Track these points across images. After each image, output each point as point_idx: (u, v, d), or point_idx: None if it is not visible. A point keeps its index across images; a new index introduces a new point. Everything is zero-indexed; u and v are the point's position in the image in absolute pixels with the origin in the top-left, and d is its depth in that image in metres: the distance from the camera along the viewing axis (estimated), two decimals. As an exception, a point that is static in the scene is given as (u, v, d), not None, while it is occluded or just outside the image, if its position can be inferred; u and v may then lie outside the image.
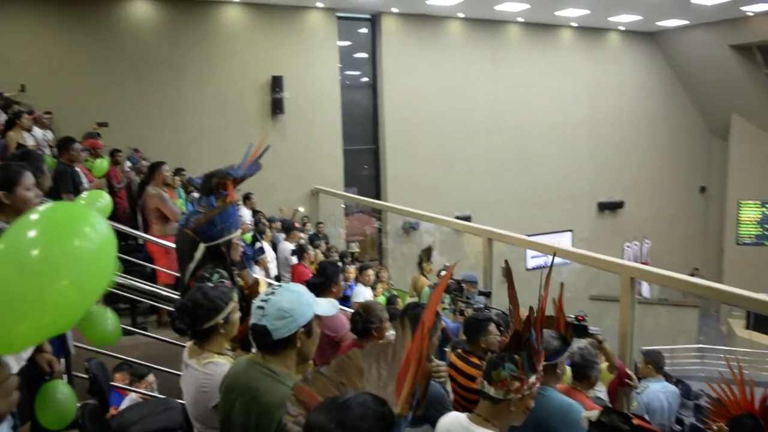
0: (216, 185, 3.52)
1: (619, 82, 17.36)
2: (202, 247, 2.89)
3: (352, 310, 5.51)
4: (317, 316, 1.90)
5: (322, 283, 3.64)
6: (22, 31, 10.82)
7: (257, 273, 6.54)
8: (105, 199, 3.12)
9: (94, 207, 3.06)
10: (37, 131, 8.04)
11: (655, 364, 5.05)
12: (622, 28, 16.79)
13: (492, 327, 3.30)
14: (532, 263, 14.51)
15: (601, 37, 16.88)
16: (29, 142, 7.01)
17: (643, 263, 14.42)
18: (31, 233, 0.89)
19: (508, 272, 2.80)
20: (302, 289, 1.89)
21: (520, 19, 15.21)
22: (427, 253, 8.13)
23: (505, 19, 14.99)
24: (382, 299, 7.12)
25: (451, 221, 8.64)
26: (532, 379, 1.88)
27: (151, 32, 11.72)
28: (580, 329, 3.78)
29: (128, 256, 6.20)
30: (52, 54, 10.99)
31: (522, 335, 1.88)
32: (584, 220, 17.10)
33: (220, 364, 2.18)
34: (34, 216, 0.91)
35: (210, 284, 2.41)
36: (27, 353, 2.20)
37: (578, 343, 3.62)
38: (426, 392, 1.10)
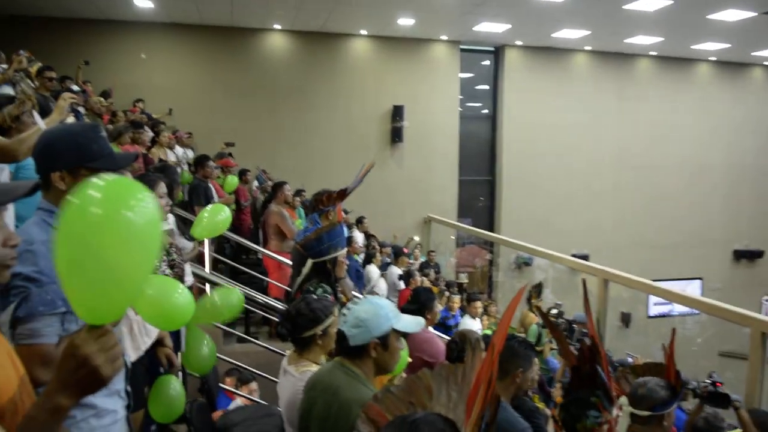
0: (318, 201, 3.71)
1: (762, 121, 15.91)
2: (309, 262, 3.04)
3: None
4: (409, 338, 1.95)
5: (416, 309, 3.66)
6: (171, 59, 12.07)
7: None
8: (225, 213, 3.39)
9: (214, 219, 3.31)
10: (179, 149, 8.84)
11: (762, 426, 4.50)
12: (767, 63, 15.48)
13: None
14: (654, 310, 13.56)
15: (742, 72, 15.64)
16: (171, 158, 7.72)
17: (785, 321, 12.95)
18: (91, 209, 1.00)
19: (585, 295, 2.64)
20: (385, 303, 1.96)
21: (652, 53, 14.52)
22: (537, 290, 7.89)
23: (636, 52, 14.37)
24: (488, 333, 6.97)
25: (564, 258, 8.31)
26: (615, 411, 1.79)
27: (285, 62, 12.55)
28: (719, 398, 3.40)
29: (248, 269, 6.62)
30: (196, 80, 12.12)
31: (582, 370, 1.78)
32: (717, 268, 15.69)
33: (315, 373, 2.27)
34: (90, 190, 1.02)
35: (314, 296, 2.52)
36: (146, 344, 2.42)
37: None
38: (495, 416, 1.09)
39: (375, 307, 1.93)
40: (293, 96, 12.51)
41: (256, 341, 5.20)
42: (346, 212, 9.69)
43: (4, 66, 6.38)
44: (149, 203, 1.02)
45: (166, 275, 2.58)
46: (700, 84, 15.36)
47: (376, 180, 12.39)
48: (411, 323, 2.02)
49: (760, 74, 15.83)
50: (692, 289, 14.87)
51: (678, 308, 12.05)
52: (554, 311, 7.04)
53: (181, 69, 12.12)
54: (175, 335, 2.86)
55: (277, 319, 5.92)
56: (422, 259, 10.96)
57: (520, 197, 13.92)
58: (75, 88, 7.14)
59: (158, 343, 2.61)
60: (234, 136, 11.06)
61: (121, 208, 0.98)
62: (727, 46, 13.35)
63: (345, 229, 3.88)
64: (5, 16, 10.66)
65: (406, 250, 8.53)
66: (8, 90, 5.57)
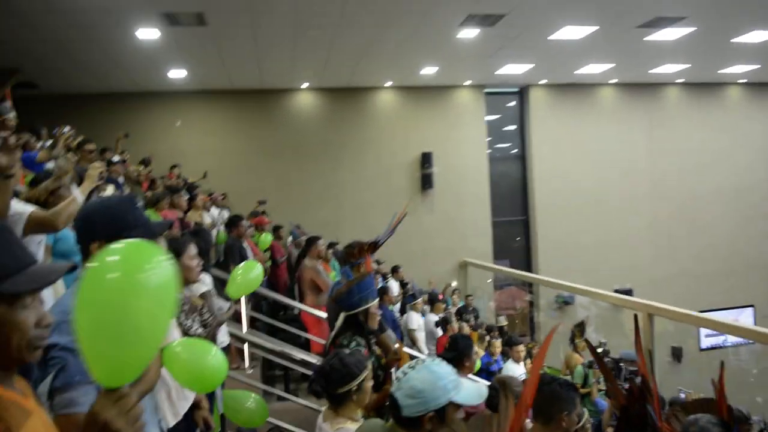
0: (349, 254, 3.74)
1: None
2: (342, 315, 3.05)
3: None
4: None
5: (454, 357, 3.59)
6: (205, 124, 12.56)
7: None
8: (257, 270, 3.44)
9: (248, 276, 3.37)
10: (214, 210, 9.06)
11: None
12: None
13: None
14: (706, 342, 13.01)
15: (777, 91, 15.34)
16: (207, 220, 7.89)
17: None
18: (113, 259, 1.05)
19: (636, 330, 2.55)
20: (444, 371, 1.83)
21: (679, 80, 14.41)
22: (580, 329, 7.69)
23: (663, 81, 14.28)
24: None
25: (605, 294, 8.12)
26: None
27: (313, 119, 12.89)
28: None
29: (285, 325, 6.65)
30: (229, 142, 12.55)
31: (631, 410, 1.70)
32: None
33: (351, 430, 2.25)
34: (115, 247, 1.07)
35: (347, 351, 2.51)
36: (184, 409, 2.44)
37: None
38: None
39: (433, 377, 1.79)
40: (323, 151, 12.79)
41: (295, 398, 5.17)
42: (378, 263, 9.72)
43: (47, 143, 6.72)
44: (164, 265, 1.06)
45: (199, 335, 2.62)
46: (732, 107, 15.10)
47: (409, 227, 12.40)
48: (472, 395, 1.87)
49: (794, 92, 15.50)
50: (744, 317, 14.25)
51: (731, 338, 11.56)
52: (599, 350, 6.82)
53: (215, 133, 12.56)
54: (210, 396, 2.88)
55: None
56: (460, 304, 10.83)
57: (556, 235, 13.74)
58: (115, 159, 7.44)
59: (194, 406, 2.62)
60: (267, 193, 11.32)
61: (137, 271, 1.03)
62: (756, 67, 13.17)
63: (379, 279, 3.90)
64: (44, 94, 11.28)
65: (441, 296, 8.45)
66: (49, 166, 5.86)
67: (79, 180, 3.92)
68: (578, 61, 11.84)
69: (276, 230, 9.20)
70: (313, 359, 5.24)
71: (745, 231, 14.96)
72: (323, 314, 6.25)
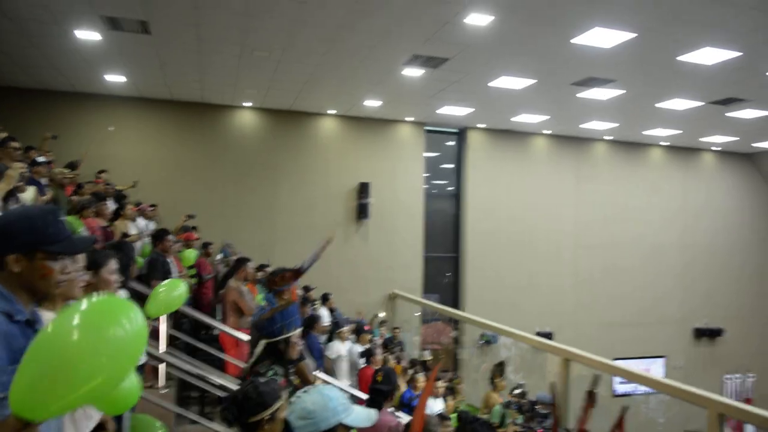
0: (271, 281, 3.72)
1: (714, 203, 16.67)
2: (262, 343, 3.01)
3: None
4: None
5: (388, 390, 3.62)
6: (140, 132, 12.19)
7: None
8: (181, 289, 3.35)
9: (170, 295, 3.28)
10: (141, 221, 8.76)
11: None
12: (716, 148, 16.39)
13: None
14: (620, 389, 13.54)
15: (693, 156, 16.51)
16: (132, 231, 7.63)
17: (745, 400, 13.06)
18: (75, 320, 1.05)
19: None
20: (336, 395, 1.89)
21: (607, 137, 15.26)
22: (500, 369, 7.85)
23: (592, 136, 15.10)
24: (453, 417, 6.84)
25: (527, 337, 8.36)
26: None
27: (254, 138, 12.77)
28: None
29: (206, 346, 6.45)
30: (163, 153, 12.21)
31: None
32: (679, 346, 15.92)
33: (261, 461, 2.21)
34: (81, 306, 1.08)
35: (262, 379, 2.48)
36: (88, 428, 2.33)
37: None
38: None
39: (324, 399, 1.86)
40: (261, 171, 12.66)
41: (208, 423, 5.00)
42: (308, 289, 9.64)
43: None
44: (135, 323, 1.07)
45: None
46: (654, 166, 16.12)
47: (341, 256, 12.42)
48: (362, 418, 1.94)
49: (710, 159, 16.74)
50: (656, 367, 14.99)
51: (642, 387, 12.07)
52: (518, 391, 6.98)
53: (149, 142, 12.21)
54: (118, 418, 2.76)
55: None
56: (387, 336, 10.84)
57: (484, 274, 14.09)
58: (41, 159, 7.10)
59: (100, 427, 2.51)
60: (199, 209, 11.06)
61: (105, 330, 1.02)
62: (678, 132, 14.14)
63: (309, 307, 3.88)
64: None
65: (367, 327, 8.45)
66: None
67: (-2, 180, 3.75)
68: (515, 110, 12.35)
69: (205, 247, 8.99)
70: (231, 383, 5.10)
71: (660, 285, 15.87)
72: (243, 336, 6.14)
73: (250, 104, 12.57)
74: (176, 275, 6.63)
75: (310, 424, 1.81)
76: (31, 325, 1.61)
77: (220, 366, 6.21)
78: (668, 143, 15.91)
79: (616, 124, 13.56)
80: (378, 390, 3.71)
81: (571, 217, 15.13)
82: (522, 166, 14.64)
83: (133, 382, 1.90)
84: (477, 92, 10.85)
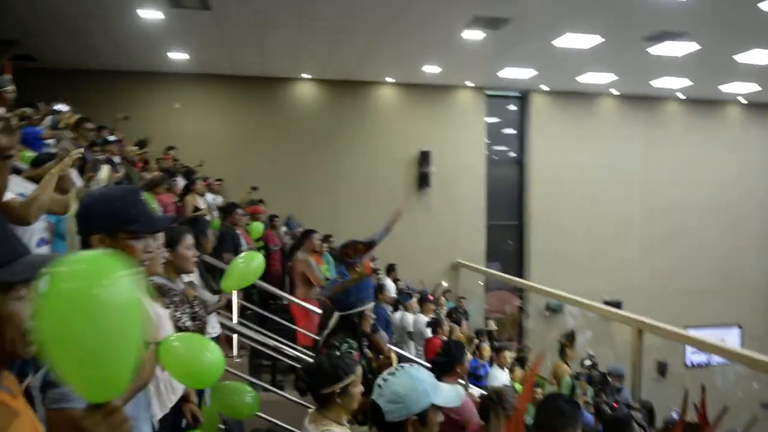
0: (344, 253, 3.70)
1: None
2: (336, 315, 3.01)
3: (481, 391, 5.31)
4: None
5: (446, 362, 3.56)
6: (204, 108, 12.47)
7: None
8: (258, 260, 3.35)
9: (249, 266, 3.30)
10: (209, 196, 8.98)
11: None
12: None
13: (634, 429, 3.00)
14: (692, 359, 13.08)
15: (775, 113, 15.41)
16: (201, 205, 7.84)
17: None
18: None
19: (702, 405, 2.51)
20: (424, 375, 1.85)
21: (679, 95, 14.44)
22: (569, 339, 7.67)
23: (663, 95, 14.31)
24: (518, 386, 6.77)
25: (596, 306, 8.13)
26: None
27: (314, 110, 12.81)
28: None
29: (274, 316, 6.61)
30: (227, 127, 12.46)
31: None
32: (757, 315, 15.13)
33: (336, 433, 2.21)
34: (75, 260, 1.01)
35: (338, 353, 2.47)
36: (171, 402, 2.40)
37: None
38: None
39: (413, 381, 1.81)
40: (321, 143, 12.72)
41: (281, 392, 5.12)
42: (373, 259, 9.67)
43: (46, 118, 6.63)
44: (125, 281, 1.00)
45: (187, 327, 2.57)
46: (731, 125, 15.17)
47: (403, 226, 12.31)
48: (452, 396, 1.88)
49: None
50: (731, 337, 14.32)
51: (717, 358, 11.61)
52: (588, 362, 6.81)
53: (213, 117, 12.46)
54: (199, 390, 2.84)
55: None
56: (449, 306, 10.80)
57: (549, 241, 13.76)
58: (111, 138, 7.34)
59: (183, 398, 2.58)
60: (263, 182, 11.24)
61: (94, 287, 0.96)
62: (757, 88, 13.21)
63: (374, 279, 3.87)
64: (43, 68, 11.15)
65: (431, 297, 8.42)
66: (50, 143, 5.77)
67: (81, 164, 3.87)
68: (580, 70, 11.83)
69: (271, 219, 9.14)
70: (301, 353, 5.20)
71: (737, 250, 15.05)
72: (312, 307, 6.24)
73: (309, 76, 12.58)
74: (245, 248, 6.78)
75: (401, 407, 1.77)
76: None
77: (291, 336, 6.36)
78: (745, 100, 14.89)
79: (690, 82, 12.79)
80: (435, 362, 3.66)
81: (641, 179, 14.47)
82: (588, 128, 14.07)
83: (216, 354, 1.91)
84: (540, 53, 10.45)
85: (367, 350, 3.08)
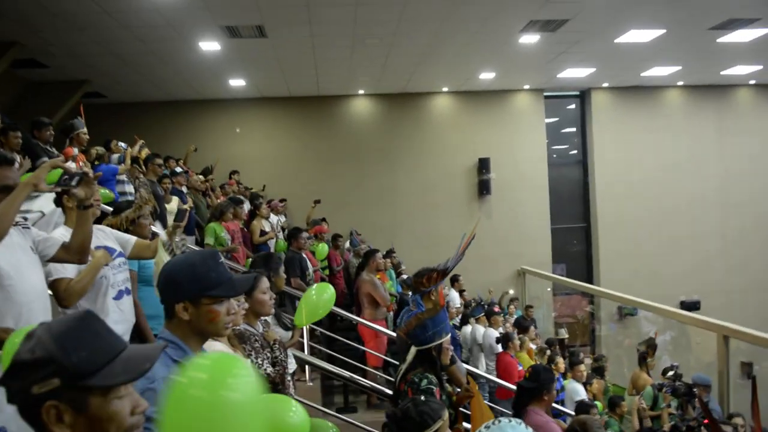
0: (418, 282, 3.63)
1: None
2: (413, 350, 2.96)
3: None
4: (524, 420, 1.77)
5: (533, 389, 3.45)
6: (263, 131, 12.79)
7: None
8: (329, 292, 3.36)
9: (320, 299, 3.31)
10: (273, 217, 9.16)
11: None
12: None
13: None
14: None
15: None
16: (266, 228, 8.00)
17: None
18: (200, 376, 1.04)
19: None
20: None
21: (752, 82, 13.66)
22: (650, 347, 7.36)
23: (734, 83, 13.57)
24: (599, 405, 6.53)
25: (673, 312, 7.78)
26: None
27: (370, 124, 12.89)
28: None
29: (340, 336, 6.66)
30: (286, 148, 12.71)
31: None
32: None
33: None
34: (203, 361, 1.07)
35: (422, 397, 2.42)
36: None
37: None
38: None
39: None
40: (379, 156, 12.77)
41: (350, 420, 5.07)
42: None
43: (108, 150, 6.92)
44: (248, 380, 1.04)
45: (268, 374, 2.58)
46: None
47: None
48: None
49: None
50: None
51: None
52: (671, 373, 6.49)
53: (273, 139, 12.74)
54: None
55: (374, 389, 5.88)
56: (517, 314, 10.58)
57: (618, 242, 13.26)
58: (178, 170, 7.60)
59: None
60: (323, 199, 11.36)
61: (220, 389, 1.00)
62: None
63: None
64: (111, 103, 11.67)
65: (497, 308, 8.25)
66: (124, 178, 6.03)
67: (158, 210, 3.99)
68: (643, 64, 11.39)
69: (335, 239, 9.23)
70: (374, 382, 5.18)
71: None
72: (380, 327, 6.24)
73: (363, 91, 12.67)
74: (311, 271, 6.86)
75: None
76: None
77: (358, 356, 6.38)
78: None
79: (761, 67, 12.08)
80: (523, 387, 3.55)
81: (715, 172, 13.72)
82: (654, 122, 13.47)
83: (300, 415, 1.89)
84: (600, 51, 10.12)
85: (447, 384, 3.02)
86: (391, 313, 6.87)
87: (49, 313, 2.40)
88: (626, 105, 13.43)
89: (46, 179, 2.19)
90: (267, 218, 8.23)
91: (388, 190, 12.75)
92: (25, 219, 2.49)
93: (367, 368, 6.11)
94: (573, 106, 14.00)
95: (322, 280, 8.06)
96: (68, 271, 2.69)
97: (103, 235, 2.98)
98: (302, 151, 12.69)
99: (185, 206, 6.46)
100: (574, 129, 14.11)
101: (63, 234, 2.70)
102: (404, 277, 8.81)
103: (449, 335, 3.04)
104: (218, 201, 8.20)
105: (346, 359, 5.97)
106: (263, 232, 7.69)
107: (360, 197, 12.57)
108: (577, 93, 13.72)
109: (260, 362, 2.56)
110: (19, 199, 2.10)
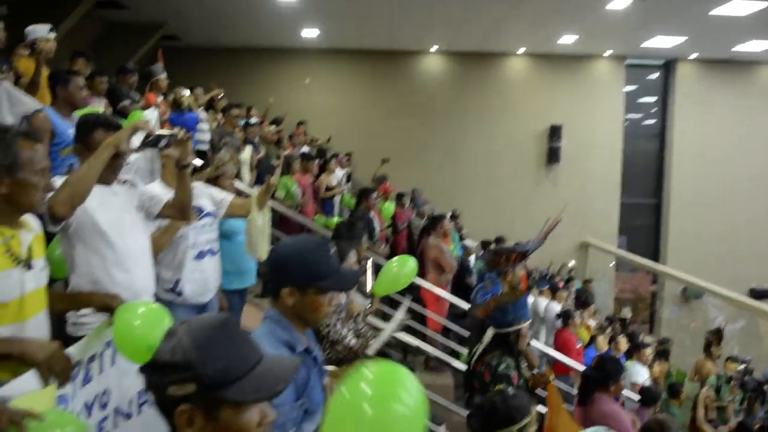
0: (495, 261, 3.57)
1: None
2: (491, 332, 2.92)
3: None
4: (588, 408, 1.72)
5: (600, 378, 3.36)
6: (332, 83, 12.67)
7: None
8: (411, 265, 3.29)
9: (401, 271, 3.24)
10: (338, 172, 9.19)
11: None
12: None
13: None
14: None
15: None
16: (333, 182, 8.04)
17: None
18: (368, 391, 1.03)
19: None
20: None
21: None
22: (716, 336, 7.11)
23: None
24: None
25: (743, 301, 7.42)
26: None
27: (440, 83, 12.62)
28: None
29: (399, 296, 6.67)
30: (354, 102, 12.64)
31: None
32: None
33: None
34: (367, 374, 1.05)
35: (511, 390, 2.37)
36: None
37: None
38: None
39: None
40: (447, 117, 12.53)
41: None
42: (499, 240, 9.46)
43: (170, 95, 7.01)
44: (417, 391, 1.02)
45: (351, 345, 2.59)
46: None
47: (529, 203, 12.03)
48: None
49: None
50: None
51: None
52: (741, 367, 6.26)
53: (340, 92, 12.66)
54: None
55: (432, 352, 5.93)
56: (576, 287, 10.39)
57: (690, 221, 12.70)
58: (253, 120, 7.67)
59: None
60: (389, 156, 11.29)
61: (392, 403, 0.98)
62: None
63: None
64: (185, 48, 11.80)
65: (561, 284, 8.10)
66: (204, 127, 6.11)
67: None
68: (739, 37, 10.63)
69: (399, 198, 9.19)
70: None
71: None
72: (443, 293, 6.21)
73: (436, 48, 12.36)
74: (378, 231, 6.87)
75: None
76: (309, 353, 1.65)
77: (420, 318, 6.40)
78: None
79: None
80: (589, 377, 3.46)
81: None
82: (743, 100, 12.63)
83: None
84: (693, 20, 9.52)
85: (525, 369, 2.98)
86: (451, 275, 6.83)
87: (151, 274, 2.45)
88: (714, 79, 12.63)
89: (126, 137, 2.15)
90: (333, 173, 8.26)
91: (454, 151, 12.54)
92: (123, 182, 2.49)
93: (426, 331, 6.15)
94: (655, 76, 13.29)
95: (386, 239, 8.09)
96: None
97: (196, 194, 3.03)
98: (369, 106, 12.58)
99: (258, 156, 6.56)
100: (653, 99, 13.42)
101: (160, 190, 2.74)
102: (467, 242, 8.75)
103: (529, 321, 2.98)
104: (287, 152, 8.26)
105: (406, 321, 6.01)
106: (329, 187, 7.73)
107: (424, 157, 12.42)
108: (661, 63, 12.99)
109: (345, 334, 2.57)
110: (101, 161, 2.06)
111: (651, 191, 13.26)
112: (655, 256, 12.80)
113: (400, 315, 2.82)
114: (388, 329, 2.60)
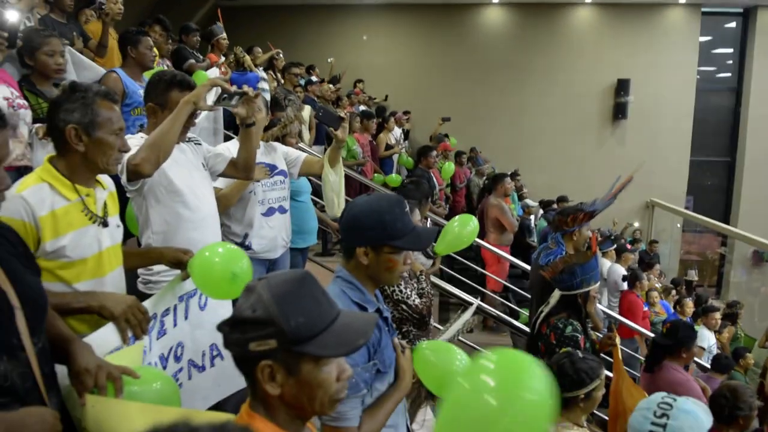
0: (561, 221, 3.47)
1: None
2: (557, 293, 2.87)
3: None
4: (656, 376, 1.68)
5: (671, 345, 3.27)
6: (389, 40, 12.44)
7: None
8: (472, 224, 3.26)
9: (463, 230, 3.22)
10: (396, 130, 9.13)
11: None
12: None
13: None
14: None
15: None
16: (392, 141, 8.01)
17: None
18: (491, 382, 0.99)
19: None
20: (700, 412, 1.67)
21: None
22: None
23: None
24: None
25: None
26: None
27: (500, 36, 12.19)
28: None
29: (459, 256, 6.64)
30: (412, 59, 12.39)
31: None
32: None
33: (576, 435, 2.14)
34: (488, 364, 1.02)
35: (579, 354, 2.34)
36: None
37: None
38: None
39: (699, 424, 1.66)
40: (509, 72, 12.16)
41: (465, 341, 5.13)
42: (561, 200, 9.22)
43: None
44: (544, 379, 1.00)
45: (416, 305, 2.60)
46: None
47: (594, 160, 11.67)
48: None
49: None
50: None
51: None
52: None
53: (398, 49, 12.43)
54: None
55: (492, 313, 5.91)
56: (642, 248, 10.08)
57: (765, 181, 12.02)
58: (314, 79, 7.67)
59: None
60: (446, 113, 11.10)
61: (516, 397, 0.97)
62: None
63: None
64: (241, 7, 11.70)
65: (629, 247, 7.86)
66: (264, 86, 6.15)
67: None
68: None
69: (457, 157, 9.07)
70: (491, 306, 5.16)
71: None
72: (504, 253, 6.15)
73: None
74: (437, 189, 6.82)
75: None
76: (380, 313, 1.65)
77: (475, 278, 6.37)
78: None
79: None
80: (659, 344, 3.36)
81: None
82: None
83: (465, 364, 1.85)
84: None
85: (591, 332, 2.93)
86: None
87: (218, 230, 2.51)
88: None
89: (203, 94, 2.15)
90: (392, 131, 8.21)
91: (515, 108, 12.20)
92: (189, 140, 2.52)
93: (486, 291, 6.13)
94: (732, 25, 12.41)
95: (446, 198, 8.04)
96: (218, 182, 2.79)
97: (269, 151, 3.07)
98: (427, 63, 12.32)
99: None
100: (729, 51, 12.57)
101: (228, 148, 2.78)
102: (527, 201, 8.58)
103: (598, 283, 2.90)
104: (346, 111, 8.24)
105: (465, 279, 6.00)
106: (389, 146, 7.70)
107: (484, 114, 12.14)
108: (741, 10, 12.09)
109: (409, 293, 2.58)
110: (181, 118, 2.07)
111: (723, 149, 12.58)
112: (725, 217, 12.22)
113: (467, 316, 2.81)
114: (454, 329, 2.59)
